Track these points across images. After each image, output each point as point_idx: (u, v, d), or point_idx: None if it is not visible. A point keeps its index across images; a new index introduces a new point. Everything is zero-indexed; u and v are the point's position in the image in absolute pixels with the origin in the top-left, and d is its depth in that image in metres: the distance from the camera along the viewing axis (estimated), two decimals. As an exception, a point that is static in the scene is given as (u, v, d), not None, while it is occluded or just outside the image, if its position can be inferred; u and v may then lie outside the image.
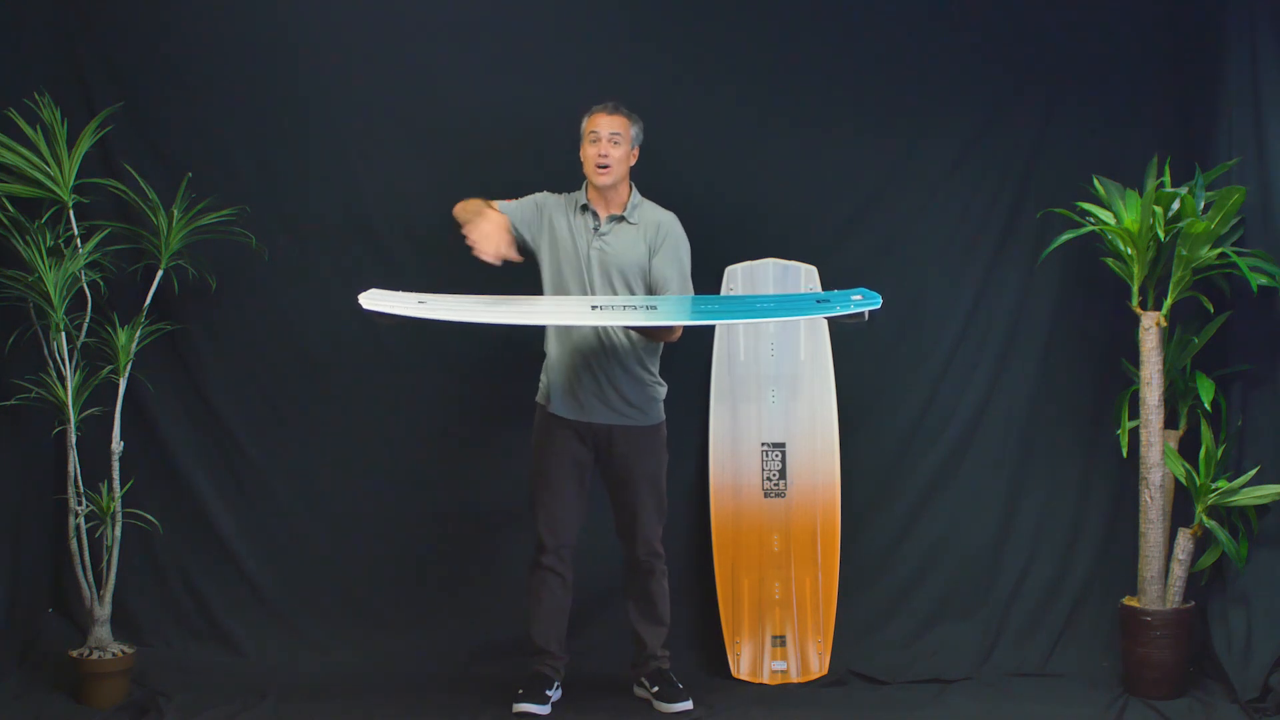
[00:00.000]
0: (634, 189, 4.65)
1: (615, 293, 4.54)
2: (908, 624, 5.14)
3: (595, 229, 4.58)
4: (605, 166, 4.53)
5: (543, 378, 4.68)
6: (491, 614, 5.07)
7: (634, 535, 4.66)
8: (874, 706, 4.73)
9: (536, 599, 4.68)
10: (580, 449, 4.63)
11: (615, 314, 4.44)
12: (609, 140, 4.53)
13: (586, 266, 4.56)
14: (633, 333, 4.57)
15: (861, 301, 4.36)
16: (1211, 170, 4.87)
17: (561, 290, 4.58)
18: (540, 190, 4.68)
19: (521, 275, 4.70)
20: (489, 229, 4.39)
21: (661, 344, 4.64)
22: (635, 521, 4.65)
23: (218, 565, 5.11)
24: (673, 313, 4.47)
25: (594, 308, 4.45)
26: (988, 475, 5.19)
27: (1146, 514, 4.82)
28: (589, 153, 4.56)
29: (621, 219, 4.58)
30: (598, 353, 4.56)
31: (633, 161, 4.61)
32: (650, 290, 4.58)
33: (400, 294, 4.39)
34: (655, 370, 4.66)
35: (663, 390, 4.68)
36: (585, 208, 4.61)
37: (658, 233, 4.59)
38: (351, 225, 5.13)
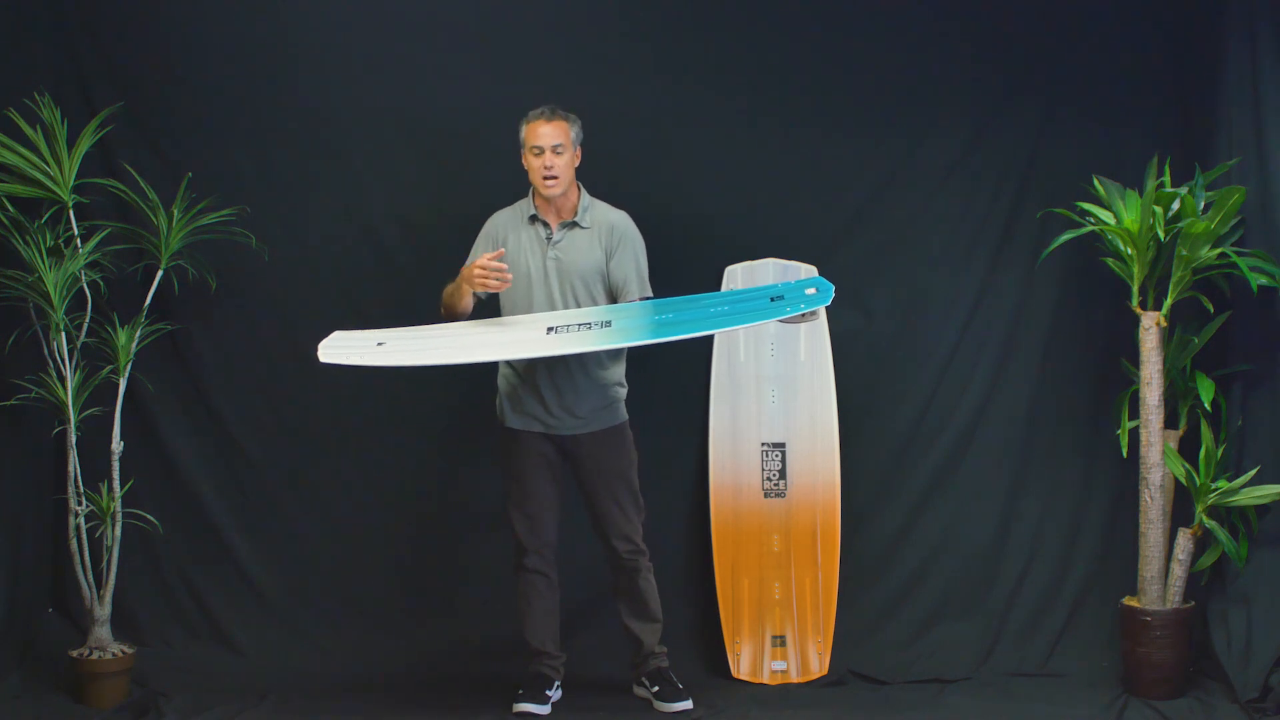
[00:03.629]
0: (583, 191, 4.61)
1: (577, 300, 4.51)
2: (908, 624, 5.14)
3: (548, 239, 4.57)
4: (553, 179, 4.50)
5: (499, 397, 4.66)
6: (490, 614, 5.06)
7: (611, 533, 4.65)
8: (874, 706, 4.73)
9: (526, 602, 4.68)
10: (549, 448, 4.62)
11: (570, 338, 4.32)
12: (552, 151, 4.50)
13: (544, 279, 4.54)
14: None
15: (815, 296, 4.28)
16: (1211, 170, 4.87)
17: (520, 307, 4.54)
18: (492, 204, 4.69)
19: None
20: (480, 269, 4.38)
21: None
22: (610, 520, 4.64)
23: (218, 565, 5.12)
24: (628, 330, 4.35)
25: (550, 329, 4.36)
26: (988, 475, 5.19)
27: (1146, 514, 4.82)
28: (534, 164, 4.52)
29: (574, 224, 4.56)
30: (555, 363, 4.52)
31: (578, 162, 4.58)
32: (610, 292, 4.56)
33: (360, 334, 4.36)
34: (618, 372, 4.63)
35: (623, 392, 4.65)
36: (534, 218, 4.60)
37: (612, 234, 4.57)
38: (351, 226, 5.13)
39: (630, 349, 4.62)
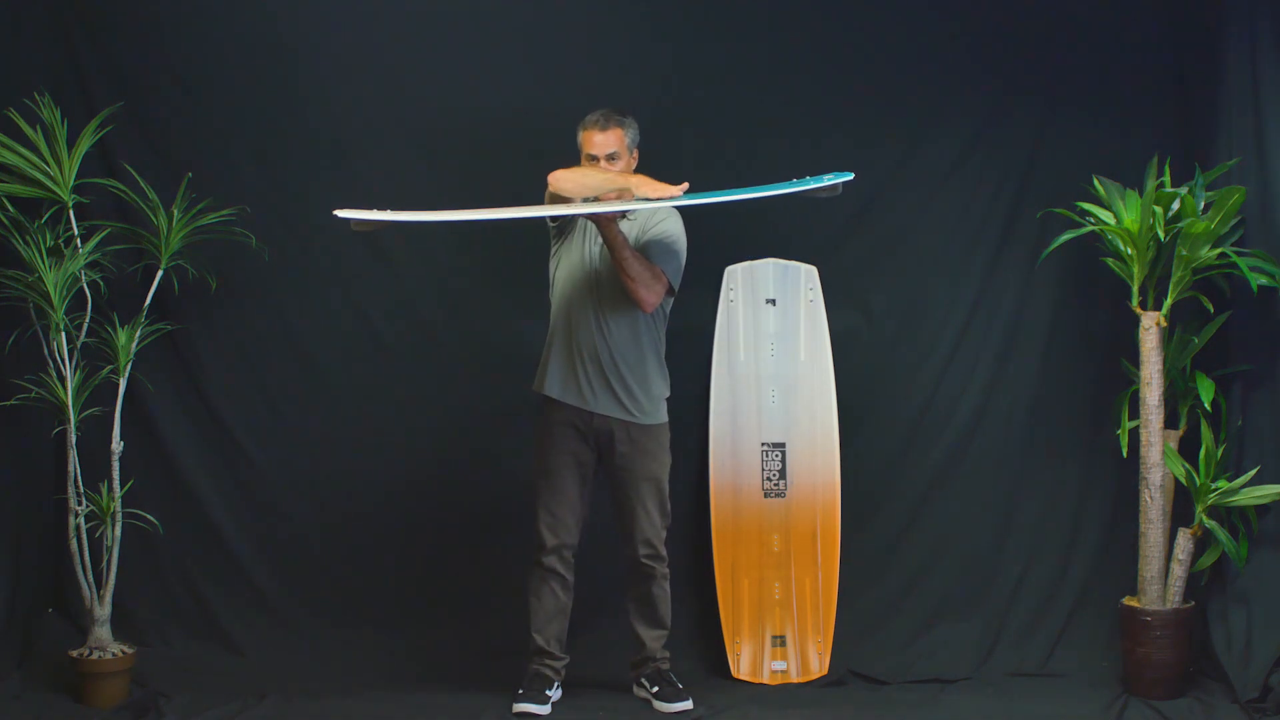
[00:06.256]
0: None
1: (619, 286, 4.54)
2: (908, 624, 5.14)
3: None
4: None
5: (542, 363, 4.66)
6: (491, 614, 5.07)
7: (634, 536, 4.66)
8: (874, 706, 4.73)
9: (537, 600, 4.68)
10: (583, 448, 4.63)
11: (598, 206, 4.38)
12: (606, 160, 4.54)
13: (591, 262, 4.59)
14: (637, 326, 4.58)
15: (834, 176, 4.38)
16: (1211, 170, 4.87)
17: (566, 284, 4.61)
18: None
19: (525, 270, 4.71)
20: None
21: (661, 338, 4.65)
22: (635, 523, 4.65)
23: (218, 565, 5.11)
24: (654, 203, 4.44)
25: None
26: (988, 475, 5.19)
27: (1146, 514, 4.82)
28: None
29: (623, 216, 4.58)
30: (601, 342, 4.56)
31: (634, 165, 4.62)
32: None
33: (373, 211, 4.37)
34: (658, 362, 4.66)
35: (665, 390, 4.67)
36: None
37: (651, 218, 4.61)
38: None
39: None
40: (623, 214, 4.49)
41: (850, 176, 4.38)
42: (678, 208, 4.64)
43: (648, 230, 4.60)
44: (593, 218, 4.44)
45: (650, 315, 4.61)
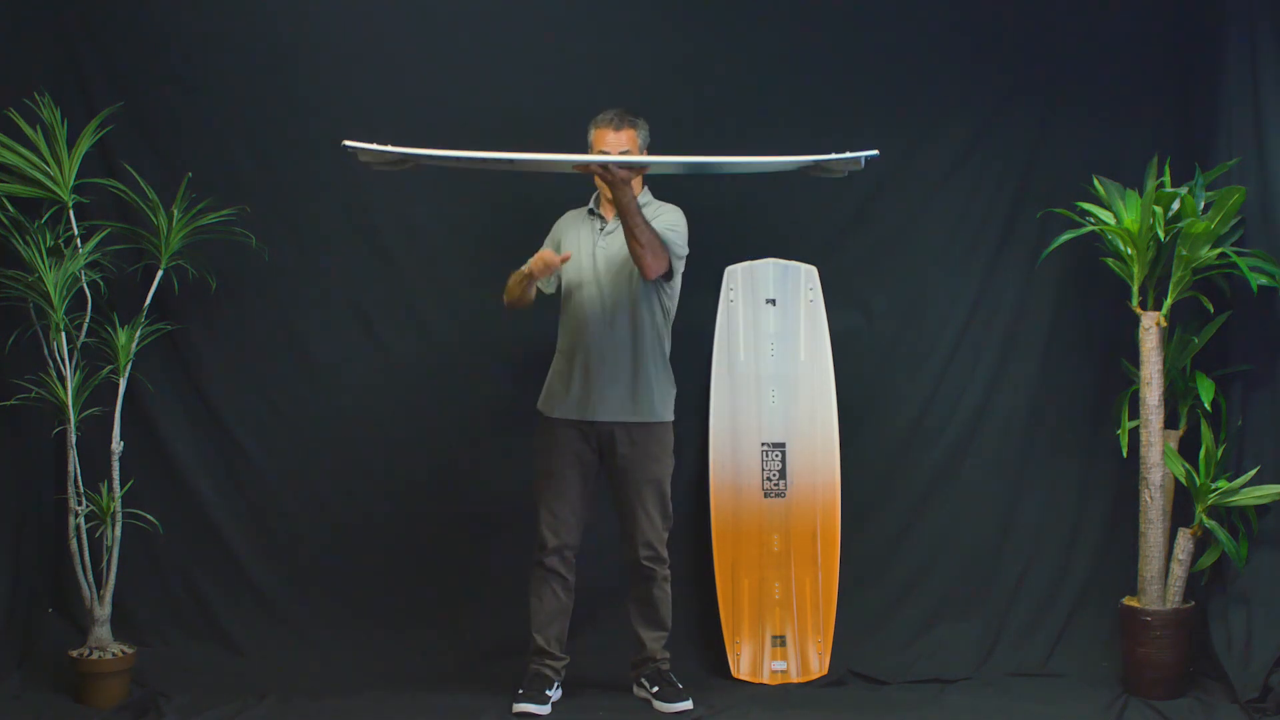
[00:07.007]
0: (645, 188, 4.66)
1: (618, 287, 4.56)
2: (908, 624, 5.14)
3: (601, 229, 4.63)
4: None
5: (548, 381, 4.69)
6: (491, 614, 5.07)
7: (634, 538, 4.66)
8: (874, 706, 4.73)
9: (538, 600, 4.69)
10: (585, 449, 4.64)
11: (597, 157, 4.41)
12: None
13: (593, 264, 4.60)
14: (643, 316, 4.59)
15: (855, 154, 4.37)
16: (1211, 170, 4.88)
17: (573, 290, 4.64)
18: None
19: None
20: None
21: (665, 340, 4.66)
22: (636, 524, 4.65)
23: (218, 565, 5.11)
24: (663, 166, 4.47)
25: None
26: (988, 475, 5.19)
27: (1146, 514, 4.82)
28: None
29: (642, 168, 4.57)
30: (607, 345, 4.57)
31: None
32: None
33: (387, 147, 4.36)
34: (663, 364, 4.66)
35: (672, 390, 4.68)
36: (592, 212, 4.69)
37: (655, 211, 4.62)
38: (351, 225, 5.13)
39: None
40: (644, 166, 4.46)
41: (876, 153, 4.35)
42: (689, 188, 4.68)
43: (651, 222, 4.59)
44: (606, 177, 4.38)
45: (654, 317, 4.61)
